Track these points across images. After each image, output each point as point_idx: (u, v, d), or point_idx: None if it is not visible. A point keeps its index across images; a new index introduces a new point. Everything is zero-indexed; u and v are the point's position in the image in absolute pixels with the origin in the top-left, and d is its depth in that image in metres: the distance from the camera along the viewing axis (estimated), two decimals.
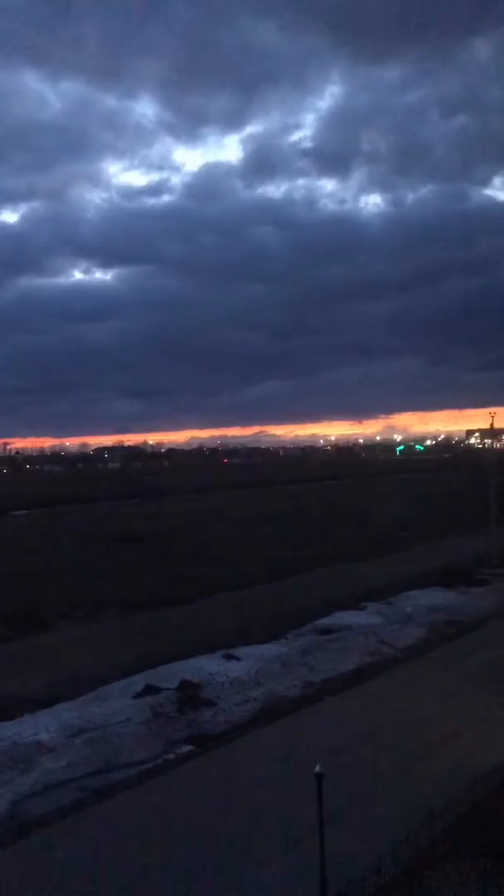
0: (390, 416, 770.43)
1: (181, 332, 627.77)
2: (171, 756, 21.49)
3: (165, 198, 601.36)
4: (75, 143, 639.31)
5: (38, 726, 23.08)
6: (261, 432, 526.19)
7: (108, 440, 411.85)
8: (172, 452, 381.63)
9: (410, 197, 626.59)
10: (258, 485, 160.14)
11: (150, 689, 25.99)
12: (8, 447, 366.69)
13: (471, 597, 41.16)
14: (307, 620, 36.30)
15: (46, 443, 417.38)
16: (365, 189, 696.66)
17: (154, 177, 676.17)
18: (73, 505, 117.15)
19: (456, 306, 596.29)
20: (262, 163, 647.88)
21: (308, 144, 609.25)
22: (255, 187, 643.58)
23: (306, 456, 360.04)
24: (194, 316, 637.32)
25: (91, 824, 17.61)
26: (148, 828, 17.16)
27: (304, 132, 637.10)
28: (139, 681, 27.11)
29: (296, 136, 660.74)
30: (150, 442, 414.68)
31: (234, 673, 27.94)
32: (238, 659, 29.73)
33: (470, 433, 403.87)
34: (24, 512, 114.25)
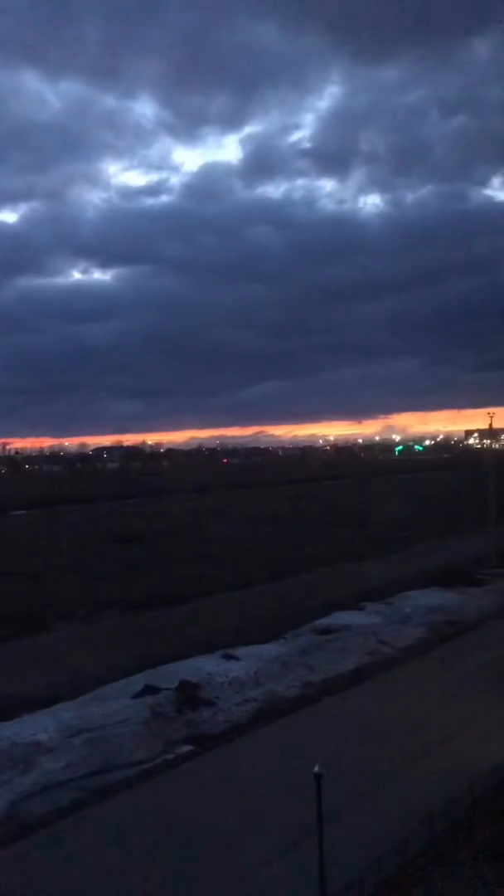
0: (389, 417, 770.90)
1: (180, 332, 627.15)
2: (171, 756, 21.49)
3: (164, 198, 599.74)
4: (74, 143, 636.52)
5: (38, 726, 23.08)
6: (260, 432, 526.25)
7: (107, 440, 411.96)
8: (171, 452, 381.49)
9: (410, 197, 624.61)
10: (257, 485, 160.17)
11: (150, 690, 26.01)
12: (7, 447, 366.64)
13: (470, 597, 41.17)
14: (306, 620, 36.31)
15: (45, 443, 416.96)
16: (364, 189, 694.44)
17: (153, 177, 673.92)
18: (73, 505, 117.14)
19: (455, 306, 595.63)
20: (262, 163, 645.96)
21: (307, 144, 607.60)
22: (255, 187, 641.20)
23: (305, 456, 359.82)
24: (193, 316, 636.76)
25: (90, 824, 17.61)
26: (147, 828, 17.16)
27: (304, 132, 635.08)
28: (138, 681, 27.12)
29: (295, 137, 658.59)
30: (149, 442, 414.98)
31: (233, 673, 27.95)
32: (237, 659, 29.74)
33: (469, 433, 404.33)
34: (23, 512, 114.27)
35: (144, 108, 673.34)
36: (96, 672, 28.34)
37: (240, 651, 30.91)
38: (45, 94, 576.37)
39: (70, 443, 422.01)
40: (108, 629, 36.88)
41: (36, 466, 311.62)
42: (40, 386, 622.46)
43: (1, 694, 26.01)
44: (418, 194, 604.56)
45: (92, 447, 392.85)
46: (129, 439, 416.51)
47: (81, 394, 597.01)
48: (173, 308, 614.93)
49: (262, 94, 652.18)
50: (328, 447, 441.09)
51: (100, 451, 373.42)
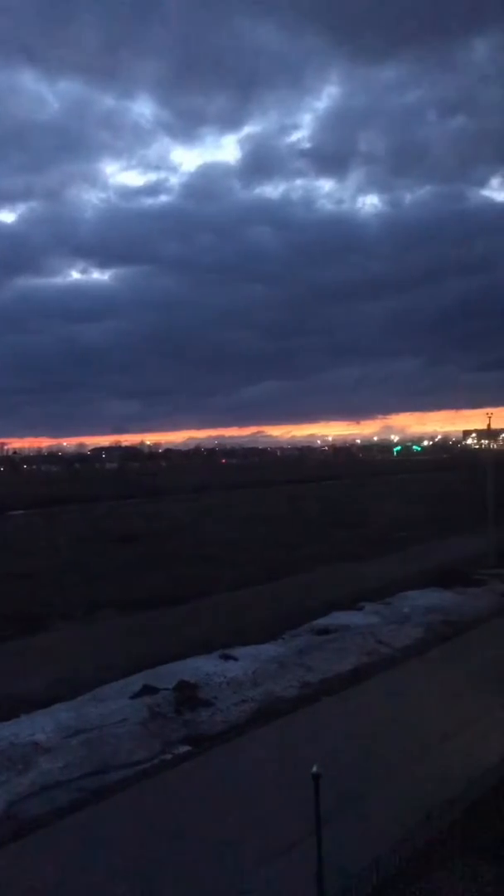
0: (388, 417, 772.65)
1: (178, 332, 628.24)
2: (169, 756, 21.47)
3: (163, 198, 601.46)
4: (73, 142, 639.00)
5: (36, 727, 23.06)
6: (258, 432, 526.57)
7: (105, 440, 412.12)
8: (170, 453, 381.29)
9: (408, 197, 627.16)
10: (255, 485, 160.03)
11: (148, 690, 25.99)
12: (5, 447, 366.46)
13: (468, 597, 41.17)
14: (304, 620, 36.30)
15: (44, 443, 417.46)
16: (363, 189, 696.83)
17: (151, 177, 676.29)
18: (71, 505, 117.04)
19: (453, 307, 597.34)
20: (260, 163, 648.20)
21: (306, 145, 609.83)
22: (253, 187, 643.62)
23: (303, 456, 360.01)
24: (192, 316, 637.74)
25: (88, 825, 17.59)
26: (145, 828, 17.14)
27: (302, 132, 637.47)
28: (137, 681, 27.10)
29: (293, 137, 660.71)
30: (148, 442, 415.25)
31: (231, 673, 27.94)
32: (235, 659, 29.74)
33: (467, 434, 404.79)
34: (21, 512, 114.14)
35: (143, 108, 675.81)
36: (94, 672, 28.30)
37: (238, 651, 30.90)
38: (43, 93, 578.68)
39: (68, 443, 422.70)
40: (106, 629, 36.82)
41: (34, 466, 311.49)
42: (38, 386, 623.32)
43: None
44: (417, 195, 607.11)
45: (90, 447, 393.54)
46: (128, 439, 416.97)
47: (80, 394, 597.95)
48: (172, 308, 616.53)
49: (261, 95, 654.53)
50: (326, 447, 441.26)
51: (98, 451, 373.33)
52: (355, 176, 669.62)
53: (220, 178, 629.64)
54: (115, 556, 60.45)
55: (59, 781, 19.74)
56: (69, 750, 21.46)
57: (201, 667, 28.60)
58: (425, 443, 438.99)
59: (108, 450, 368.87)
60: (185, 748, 22.01)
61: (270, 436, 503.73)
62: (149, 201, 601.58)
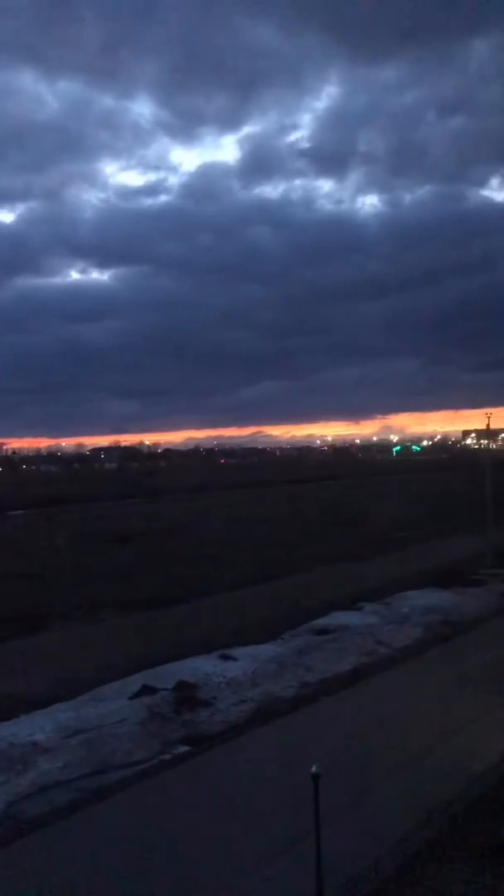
0: (387, 417, 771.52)
1: (178, 332, 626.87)
2: (168, 757, 21.45)
3: (162, 198, 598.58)
4: (72, 142, 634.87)
5: (35, 727, 23.04)
6: (257, 433, 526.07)
7: (104, 440, 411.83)
8: (169, 453, 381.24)
9: (408, 197, 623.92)
10: (255, 485, 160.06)
11: (147, 690, 25.98)
12: (4, 447, 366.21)
13: (467, 597, 41.20)
14: (304, 620, 36.30)
15: (43, 443, 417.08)
16: (362, 189, 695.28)
17: (151, 177, 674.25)
18: (70, 505, 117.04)
19: (453, 307, 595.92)
20: (260, 163, 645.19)
21: (305, 145, 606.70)
22: (253, 187, 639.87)
23: (303, 456, 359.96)
24: (191, 316, 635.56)
25: (87, 825, 17.57)
26: (144, 828, 17.12)
27: (302, 132, 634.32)
28: (136, 681, 27.09)
29: (293, 137, 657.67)
30: (147, 442, 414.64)
31: (230, 673, 27.94)
32: (234, 659, 29.73)
33: (466, 434, 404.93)
34: (20, 512, 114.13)
35: (142, 108, 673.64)
36: (94, 672, 28.29)
37: (237, 651, 30.90)
38: (42, 93, 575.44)
39: (67, 443, 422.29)
40: (105, 629, 36.83)
41: (33, 467, 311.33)
42: (38, 386, 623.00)
43: None
44: (416, 195, 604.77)
45: (89, 447, 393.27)
46: (127, 439, 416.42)
47: (79, 394, 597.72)
48: (171, 308, 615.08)
49: (260, 95, 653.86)
50: (326, 447, 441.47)
51: (97, 451, 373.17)
52: (355, 176, 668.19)
53: (220, 178, 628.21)
54: (115, 556, 60.45)
55: (59, 781, 19.72)
56: (68, 750, 21.44)
57: (200, 667, 28.59)
58: (425, 443, 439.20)
59: (108, 450, 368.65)
60: (184, 748, 21.98)
61: (270, 436, 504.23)
62: (148, 201, 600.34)
